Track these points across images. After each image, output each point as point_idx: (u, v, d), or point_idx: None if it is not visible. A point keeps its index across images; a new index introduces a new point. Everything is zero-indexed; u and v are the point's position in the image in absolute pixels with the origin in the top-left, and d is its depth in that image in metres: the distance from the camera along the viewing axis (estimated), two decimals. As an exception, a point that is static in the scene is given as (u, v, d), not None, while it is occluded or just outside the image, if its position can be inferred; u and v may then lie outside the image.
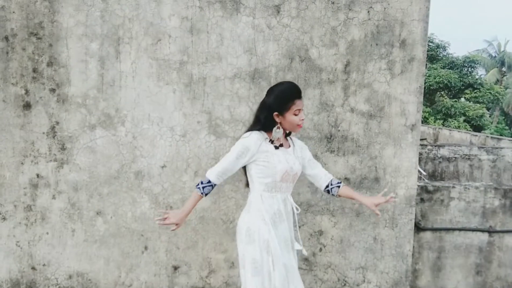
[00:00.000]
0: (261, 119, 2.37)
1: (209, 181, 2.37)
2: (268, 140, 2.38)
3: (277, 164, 2.34)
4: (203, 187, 2.37)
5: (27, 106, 3.08)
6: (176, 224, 2.36)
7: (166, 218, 2.36)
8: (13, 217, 3.16)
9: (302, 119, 2.37)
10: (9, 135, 3.09)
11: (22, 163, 3.12)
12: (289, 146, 2.49)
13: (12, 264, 3.20)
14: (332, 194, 2.53)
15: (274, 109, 2.33)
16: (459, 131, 13.11)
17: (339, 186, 2.52)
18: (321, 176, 2.54)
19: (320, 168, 2.56)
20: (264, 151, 2.34)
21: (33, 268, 3.21)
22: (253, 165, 2.37)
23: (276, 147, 2.37)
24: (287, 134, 2.50)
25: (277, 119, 2.34)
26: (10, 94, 3.07)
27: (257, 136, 2.34)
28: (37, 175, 3.13)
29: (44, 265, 3.21)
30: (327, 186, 2.53)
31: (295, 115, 2.34)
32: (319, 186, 2.56)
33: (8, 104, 3.07)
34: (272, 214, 2.37)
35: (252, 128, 2.41)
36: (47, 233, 3.18)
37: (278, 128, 2.35)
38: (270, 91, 2.38)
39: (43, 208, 3.15)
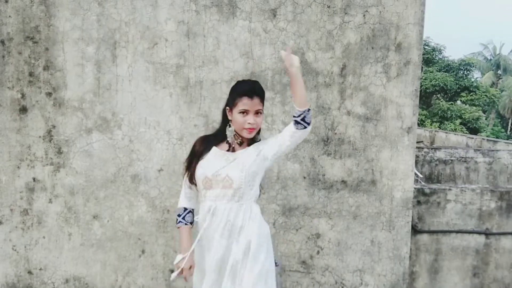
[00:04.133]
0: (221, 116, 2.22)
1: (185, 209, 2.24)
2: (225, 143, 2.17)
3: (198, 169, 2.14)
4: (183, 217, 2.23)
5: (23, 110, 3.07)
6: (191, 266, 2.19)
7: (181, 272, 2.18)
8: (10, 221, 3.15)
9: (250, 123, 2.06)
10: (5, 139, 3.09)
11: (18, 167, 3.11)
12: (242, 150, 2.16)
13: (9, 268, 3.19)
14: (299, 117, 2.05)
15: (227, 102, 2.14)
16: (455, 134, 13.16)
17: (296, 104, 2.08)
18: (287, 127, 2.12)
19: (282, 132, 2.16)
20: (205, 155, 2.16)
21: (30, 272, 3.20)
22: None
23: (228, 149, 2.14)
24: (252, 141, 2.19)
25: (228, 116, 2.12)
26: (6, 98, 3.06)
27: (204, 138, 2.23)
28: (34, 179, 3.12)
29: (40, 269, 3.19)
30: (293, 122, 2.08)
31: (241, 114, 2.06)
32: (293, 132, 2.09)
33: (4, 108, 3.07)
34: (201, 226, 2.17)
35: (218, 130, 2.25)
36: (44, 237, 3.17)
37: (230, 126, 2.12)
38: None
39: (40, 212, 3.14)
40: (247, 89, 2.07)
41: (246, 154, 2.15)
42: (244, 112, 2.06)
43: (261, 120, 2.13)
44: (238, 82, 2.18)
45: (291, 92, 2.24)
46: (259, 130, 2.20)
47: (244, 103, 2.05)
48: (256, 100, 2.07)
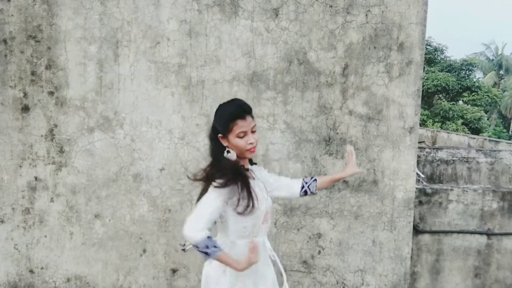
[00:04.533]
0: (211, 145, 2.06)
1: (209, 237, 1.94)
2: None
3: (261, 200, 2.01)
4: (214, 245, 1.93)
5: (26, 109, 3.08)
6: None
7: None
8: (11, 220, 3.16)
9: (251, 143, 1.98)
10: (7, 138, 3.09)
11: (20, 166, 3.11)
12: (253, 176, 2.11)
13: (10, 267, 3.19)
14: (312, 193, 2.25)
15: (218, 130, 2.00)
16: (457, 134, 13.15)
17: (315, 180, 2.24)
18: (290, 184, 2.24)
19: (283, 178, 2.27)
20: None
21: (31, 271, 3.20)
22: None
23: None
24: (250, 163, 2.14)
25: (223, 142, 2.00)
26: (8, 97, 3.06)
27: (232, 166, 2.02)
28: (35, 178, 3.12)
29: (42, 268, 3.20)
30: (302, 188, 2.24)
31: (240, 137, 1.96)
32: (294, 193, 2.25)
33: (7, 107, 3.07)
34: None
35: (214, 158, 2.05)
36: (45, 236, 3.17)
37: (228, 151, 1.99)
38: (216, 109, 2.05)
39: (41, 211, 3.15)
40: (237, 110, 1.99)
41: (261, 184, 2.13)
42: (243, 134, 1.97)
43: (258, 137, 2.06)
44: (222, 106, 2.04)
45: (326, 181, 2.28)
46: None
47: (239, 126, 1.96)
48: (249, 118, 2.00)
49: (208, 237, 1.92)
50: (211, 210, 1.93)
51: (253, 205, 1.95)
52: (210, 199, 1.94)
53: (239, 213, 1.97)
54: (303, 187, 2.24)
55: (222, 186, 1.91)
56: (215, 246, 1.91)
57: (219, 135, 2.00)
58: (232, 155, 1.99)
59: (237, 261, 1.90)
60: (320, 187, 2.27)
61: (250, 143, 1.98)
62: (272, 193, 2.21)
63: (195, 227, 1.92)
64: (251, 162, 2.19)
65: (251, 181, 2.02)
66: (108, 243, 3.17)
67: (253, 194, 1.96)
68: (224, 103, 2.05)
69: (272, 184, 2.21)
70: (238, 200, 1.95)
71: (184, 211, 3.14)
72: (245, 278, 2.02)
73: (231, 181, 1.94)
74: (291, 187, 2.25)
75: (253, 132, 2.01)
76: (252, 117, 2.04)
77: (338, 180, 2.33)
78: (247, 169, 2.10)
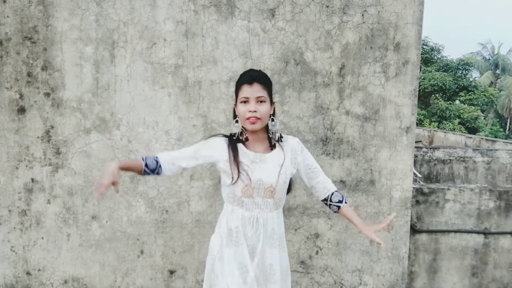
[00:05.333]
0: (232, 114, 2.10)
1: (157, 161, 1.99)
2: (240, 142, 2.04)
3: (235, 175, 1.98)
4: (146, 158, 1.99)
5: (22, 110, 3.07)
6: (113, 183, 1.87)
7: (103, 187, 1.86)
8: (8, 222, 3.14)
9: (250, 111, 1.93)
10: (3, 140, 3.08)
11: (16, 167, 3.10)
12: (271, 150, 2.07)
13: (7, 269, 3.18)
14: (329, 206, 2.21)
15: (235, 99, 2.02)
16: (454, 133, 13.18)
17: (338, 207, 2.17)
18: (324, 184, 2.19)
19: (322, 173, 2.21)
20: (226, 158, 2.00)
21: (28, 273, 3.19)
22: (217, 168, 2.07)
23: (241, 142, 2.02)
24: (269, 137, 2.08)
25: (236, 111, 2.02)
26: (4, 99, 3.05)
27: (221, 138, 2.06)
28: (32, 180, 3.12)
29: (39, 270, 3.19)
30: (326, 200, 2.19)
31: (242, 104, 1.95)
32: (316, 195, 2.23)
33: (3, 108, 3.06)
34: (227, 231, 2.06)
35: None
36: (42, 237, 3.16)
37: (237, 121, 2.01)
38: None
39: (38, 212, 3.14)
40: (246, 76, 1.98)
41: (280, 157, 2.06)
42: (245, 101, 1.94)
43: (265, 109, 1.96)
44: (240, 74, 2.06)
45: (346, 214, 2.19)
46: (273, 123, 2.05)
47: (243, 91, 1.94)
48: (257, 87, 1.94)
49: (155, 158, 2.00)
50: (183, 150, 2.09)
51: (233, 177, 1.98)
52: (200, 143, 2.09)
53: (223, 180, 2.04)
54: (326, 199, 2.19)
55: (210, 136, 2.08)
56: (145, 158, 1.99)
57: (234, 104, 2.02)
58: (237, 127, 2.01)
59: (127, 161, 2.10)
60: (340, 213, 2.19)
61: (250, 111, 1.93)
62: (305, 181, 2.19)
63: (167, 155, 2.05)
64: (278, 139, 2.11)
65: (250, 153, 2.01)
66: (105, 245, 3.17)
67: (238, 166, 1.98)
68: (244, 71, 2.09)
69: (307, 175, 2.16)
70: (223, 166, 2.00)
71: (181, 212, 3.14)
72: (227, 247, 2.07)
73: (219, 139, 2.04)
74: (320, 190, 2.19)
75: (260, 102, 1.95)
76: (266, 89, 1.98)
77: (354, 225, 2.17)
78: (276, 139, 2.07)
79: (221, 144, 2.03)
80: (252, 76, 1.97)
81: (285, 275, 2.15)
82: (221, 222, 2.14)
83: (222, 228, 2.11)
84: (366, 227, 2.11)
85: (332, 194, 2.18)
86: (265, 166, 2.02)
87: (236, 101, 2.00)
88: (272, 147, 2.08)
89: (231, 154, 1.99)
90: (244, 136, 2.02)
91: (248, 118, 1.94)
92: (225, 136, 2.08)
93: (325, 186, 2.18)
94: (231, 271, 2.02)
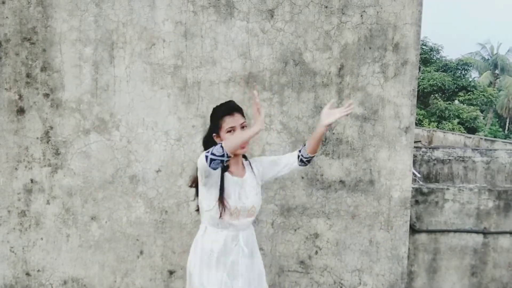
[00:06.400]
0: (204, 143, 2.26)
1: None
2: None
3: (227, 200, 2.15)
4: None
5: (21, 111, 3.07)
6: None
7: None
8: (7, 223, 3.14)
9: None
10: (2, 141, 3.08)
11: (16, 168, 3.10)
12: (244, 170, 2.28)
13: (6, 270, 3.18)
14: (307, 159, 2.31)
15: (212, 129, 2.22)
16: (453, 133, 13.20)
17: (304, 145, 2.32)
18: (290, 161, 2.34)
19: (283, 156, 2.37)
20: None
21: (28, 274, 3.19)
22: (204, 190, 2.18)
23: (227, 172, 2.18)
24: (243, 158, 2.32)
25: (217, 141, 2.18)
26: (3, 99, 3.05)
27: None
28: (31, 180, 3.12)
29: (38, 270, 3.19)
30: (298, 157, 2.32)
31: (229, 133, 2.14)
32: (294, 167, 2.35)
33: (2, 109, 3.06)
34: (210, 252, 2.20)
35: None
36: (42, 238, 3.16)
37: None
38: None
39: (37, 213, 3.14)
40: (225, 109, 2.19)
41: (252, 177, 2.28)
42: (231, 130, 2.15)
43: None
44: (214, 108, 2.27)
45: (311, 142, 2.28)
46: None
47: (227, 122, 2.15)
48: (238, 115, 2.17)
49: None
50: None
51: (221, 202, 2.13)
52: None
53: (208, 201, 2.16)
54: (298, 157, 2.33)
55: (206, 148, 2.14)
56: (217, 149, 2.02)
57: (214, 134, 2.21)
58: None
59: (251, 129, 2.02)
60: (311, 149, 2.28)
61: None
62: (279, 174, 2.37)
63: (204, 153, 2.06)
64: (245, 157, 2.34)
65: (235, 178, 2.19)
66: (104, 245, 3.17)
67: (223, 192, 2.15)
68: (217, 105, 2.28)
69: (276, 168, 2.34)
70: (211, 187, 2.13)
71: (181, 213, 3.14)
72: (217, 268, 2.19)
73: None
74: (291, 163, 2.35)
75: (243, 128, 2.17)
76: (242, 115, 2.21)
77: (321, 135, 2.24)
78: (245, 161, 2.30)
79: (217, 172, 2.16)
80: (231, 107, 2.19)
81: (258, 278, 2.33)
82: (198, 244, 2.24)
83: (201, 249, 2.22)
84: (324, 118, 2.18)
85: (298, 151, 2.34)
86: (248, 189, 2.23)
87: (216, 131, 2.20)
88: (243, 167, 2.30)
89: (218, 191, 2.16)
90: (228, 163, 2.17)
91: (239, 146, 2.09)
92: None
93: (290, 156, 2.36)
94: None
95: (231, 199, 2.17)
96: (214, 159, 1.99)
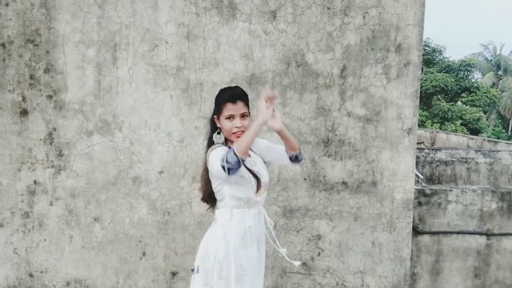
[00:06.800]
0: (209, 125, 2.27)
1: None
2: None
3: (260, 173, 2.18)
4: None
5: (24, 112, 3.08)
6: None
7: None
8: (11, 224, 3.15)
9: (237, 127, 2.13)
10: (6, 142, 3.09)
11: (19, 170, 3.11)
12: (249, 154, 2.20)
13: (10, 271, 3.19)
14: (290, 157, 2.28)
15: (214, 111, 2.23)
16: (456, 135, 13.16)
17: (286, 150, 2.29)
18: (281, 153, 2.29)
19: (276, 146, 2.32)
20: None
21: (31, 275, 3.20)
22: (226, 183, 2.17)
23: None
24: None
25: (217, 123, 2.20)
26: (7, 101, 3.07)
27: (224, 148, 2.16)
28: (35, 182, 3.12)
29: (41, 272, 3.19)
30: (289, 159, 2.30)
31: (228, 120, 2.14)
32: (286, 164, 2.35)
33: (5, 111, 3.07)
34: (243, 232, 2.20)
35: (209, 139, 2.25)
36: (45, 239, 3.17)
37: (218, 133, 2.20)
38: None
39: (41, 214, 3.14)
40: (229, 95, 2.16)
41: (255, 155, 2.27)
42: (230, 117, 2.14)
43: (248, 123, 2.16)
44: (221, 90, 2.25)
45: (283, 142, 2.25)
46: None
47: (228, 108, 2.13)
48: (240, 104, 2.15)
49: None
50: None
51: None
52: (218, 149, 2.11)
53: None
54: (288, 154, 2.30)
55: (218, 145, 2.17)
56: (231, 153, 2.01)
57: (214, 116, 2.20)
58: (220, 138, 2.19)
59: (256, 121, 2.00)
60: (287, 147, 2.25)
61: (236, 127, 2.13)
62: (271, 163, 2.37)
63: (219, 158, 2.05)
64: None
65: (247, 159, 2.12)
66: (107, 247, 3.17)
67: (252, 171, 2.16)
68: (224, 88, 2.27)
69: (271, 155, 2.31)
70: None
71: (183, 214, 3.14)
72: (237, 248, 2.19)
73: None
74: (282, 159, 2.32)
75: (243, 117, 2.15)
76: (246, 104, 2.18)
77: (281, 135, 2.18)
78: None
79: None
80: (235, 95, 2.16)
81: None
82: (226, 229, 2.20)
83: (232, 233, 2.19)
84: (270, 121, 2.04)
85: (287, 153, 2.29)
86: (259, 166, 2.25)
87: (217, 114, 2.18)
88: None
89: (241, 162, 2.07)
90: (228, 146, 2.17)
91: (234, 133, 2.14)
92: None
93: (280, 148, 2.30)
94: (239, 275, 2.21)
95: (262, 175, 2.21)
96: (232, 168, 2.00)
